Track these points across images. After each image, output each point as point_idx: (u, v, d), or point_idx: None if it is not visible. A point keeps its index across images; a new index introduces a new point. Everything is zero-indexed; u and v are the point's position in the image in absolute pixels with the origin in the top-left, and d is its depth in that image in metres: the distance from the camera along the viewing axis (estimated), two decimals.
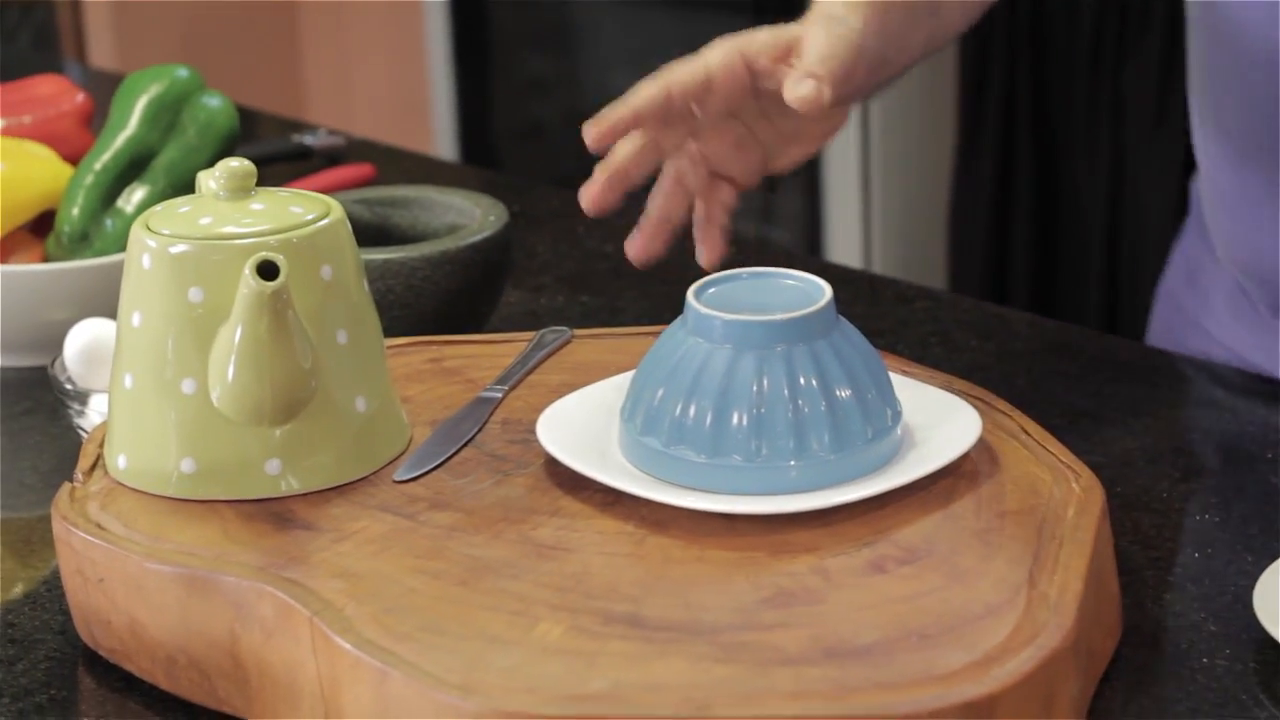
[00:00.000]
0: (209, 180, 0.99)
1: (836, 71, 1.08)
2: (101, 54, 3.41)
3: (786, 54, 1.10)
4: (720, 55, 1.10)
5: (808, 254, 2.82)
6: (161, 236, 0.97)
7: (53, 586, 1.02)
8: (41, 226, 1.39)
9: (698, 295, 0.97)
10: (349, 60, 3.58)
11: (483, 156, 3.44)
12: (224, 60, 3.39)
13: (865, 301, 1.39)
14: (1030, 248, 2.83)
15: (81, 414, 1.16)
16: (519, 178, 1.87)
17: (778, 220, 3.00)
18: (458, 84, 3.44)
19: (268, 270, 0.93)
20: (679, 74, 1.09)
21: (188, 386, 0.96)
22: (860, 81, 1.13)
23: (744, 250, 1.46)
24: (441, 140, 3.46)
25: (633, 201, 1.30)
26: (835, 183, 2.91)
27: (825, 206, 2.93)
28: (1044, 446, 0.99)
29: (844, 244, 2.92)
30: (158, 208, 1.00)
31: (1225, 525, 1.04)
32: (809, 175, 2.93)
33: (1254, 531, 1.03)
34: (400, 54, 3.50)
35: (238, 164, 0.98)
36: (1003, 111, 2.81)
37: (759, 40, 1.10)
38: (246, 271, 0.92)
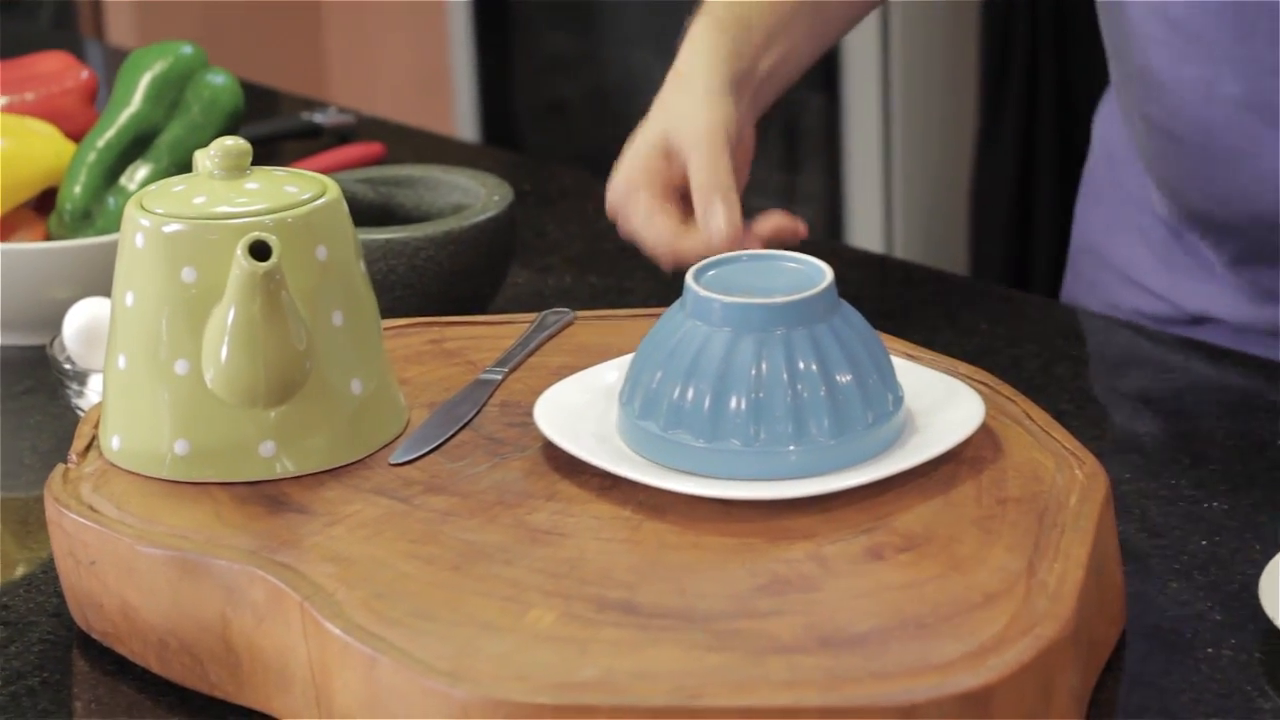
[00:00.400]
0: (204, 159, 0.98)
1: (723, 173, 1.13)
2: (121, 32, 3.40)
3: (675, 158, 1.16)
4: (644, 204, 1.16)
5: (829, 238, 2.81)
6: (155, 215, 0.95)
7: (49, 568, 1.01)
8: (44, 204, 1.38)
9: (697, 277, 0.96)
10: (370, 39, 3.57)
11: (504, 135, 3.43)
12: (244, 39, 3.38)
13: (875, 284, 1.38)
14: (1053, 233, 2.81)
15: (80, 394, 1.15)
16: (531, 156, 1.86)
17: (799, 203, 2.98)
18: (479, 62, 3.43)
19: (260, 250, 0.91)
20: (661, 243, 1.16)
21: (181, 367, 0.95)
22: (761, 108, 1.20)
23: None
24: (462, 119, 3.45)
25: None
26: (857, 167, 2.89)
27: (846, 191, 2.91)
28: (1048, 432, 0.97)
29: (865, 229, 2.90)
30: (152, 187, 0.99)
31: (1233, 513, 1.03)
32: (830, 158, 2.91)
33: (1262, 519, 1.02)
34: (421, 32, 3.49)
35: (232, 143, 0.97)
36: (1025, 95, 2.79)
37: (652, 169, 1.16)
38: (239, 252, 0.91)
